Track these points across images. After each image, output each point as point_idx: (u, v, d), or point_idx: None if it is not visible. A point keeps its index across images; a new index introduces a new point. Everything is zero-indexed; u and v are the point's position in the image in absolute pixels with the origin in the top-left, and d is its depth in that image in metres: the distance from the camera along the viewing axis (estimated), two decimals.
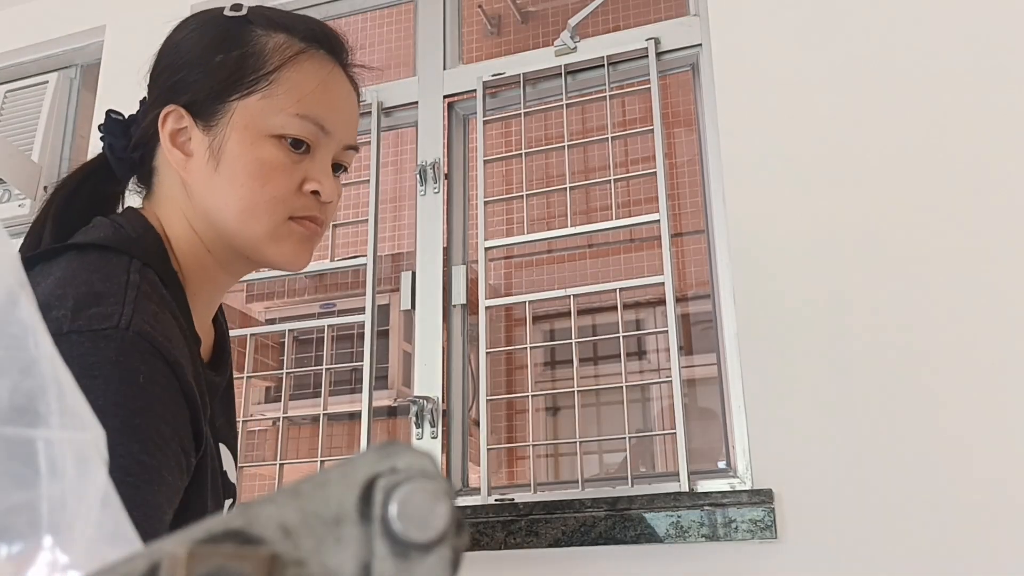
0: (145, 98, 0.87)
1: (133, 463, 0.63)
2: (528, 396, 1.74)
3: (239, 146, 0.80)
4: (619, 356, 1.68)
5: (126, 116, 0.88)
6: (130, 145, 0.84)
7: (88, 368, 0.63)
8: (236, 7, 0.85)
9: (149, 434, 0.64)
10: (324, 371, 1.95)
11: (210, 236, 0.82)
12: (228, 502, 0.85)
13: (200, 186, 0.81)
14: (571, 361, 1.74)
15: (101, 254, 0.72)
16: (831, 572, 1.40)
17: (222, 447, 0.84)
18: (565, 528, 1.53)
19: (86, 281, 0.69)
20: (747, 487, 1.51)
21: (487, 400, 1.75)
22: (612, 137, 1.83)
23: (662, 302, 1.73)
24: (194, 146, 0.81)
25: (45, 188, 2.37)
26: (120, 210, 0.88)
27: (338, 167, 0.88)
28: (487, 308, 1.81)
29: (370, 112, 2.07)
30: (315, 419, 2.07)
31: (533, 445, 1.71)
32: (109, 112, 0.88)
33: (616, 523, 1.49)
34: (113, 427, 0.57)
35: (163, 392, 0.67)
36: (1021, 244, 1.46)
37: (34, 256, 0.72)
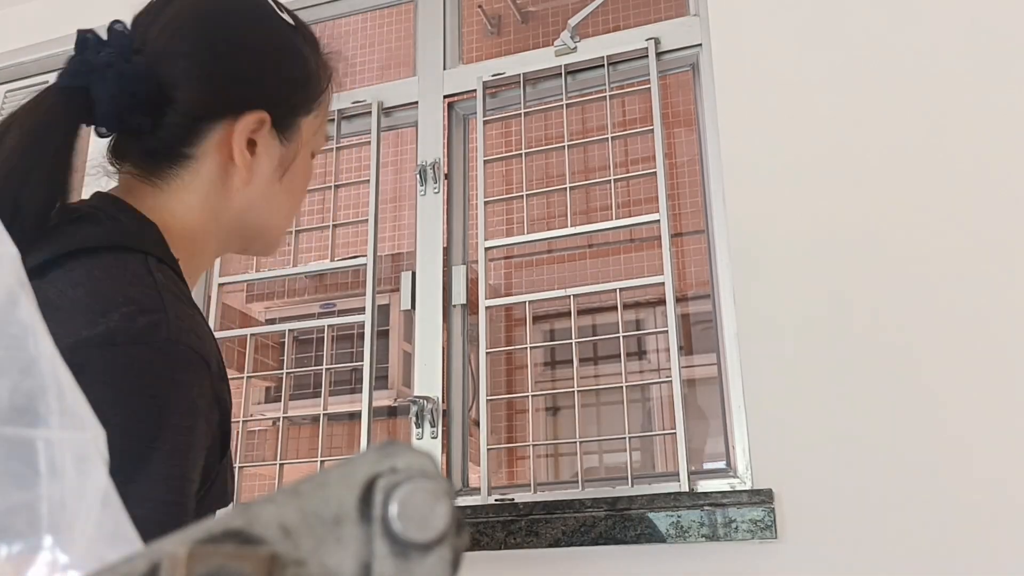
0: (119, 25, 0.79)
1: (175, 487, 0.63)
2: (528, 396, 1.74)
3: (302, 162, 0.86)
4: (619, 356, 1.68)
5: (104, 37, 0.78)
6: (128, 101, 0.74)
7: (146, 382, 0.64)
8: (292, 16, 0.86)
9: (193, 456, 0.65)
10: (324, 371, 1.95)
11: (233, 229, 0.83)
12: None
13: (256, 190, 0.82)
14: (571, 361, 1.74)
15: (116, 256, 0.69)
16: (831, 572, 1.40)
17: None
18: (565, 528, 1.53)
19: (119, 289, 0.67)
20: (747, 487, 1.51)
21: (487, 400, 1.75)
22: (612, 137, 1.83)
23: (662, 302, 1.73)
24: (262, 153, 0.82)
25: None
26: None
27: None
28: (487, 308, 1.81)
29: (370, 112, 2.07)
30: (315, 419, 2.07)
31: (533, 445, 1.71)
32: (86, 33, 0.78)
33: (616, 523, 1.49)
34: (167, 444, 0.62)
35: (207, 406, 0.68)
36: (1021, 244, 1.46)
37: (43, 264, 0.68)
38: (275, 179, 0.83)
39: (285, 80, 0.83)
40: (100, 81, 0.73)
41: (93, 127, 0.75)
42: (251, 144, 0.80)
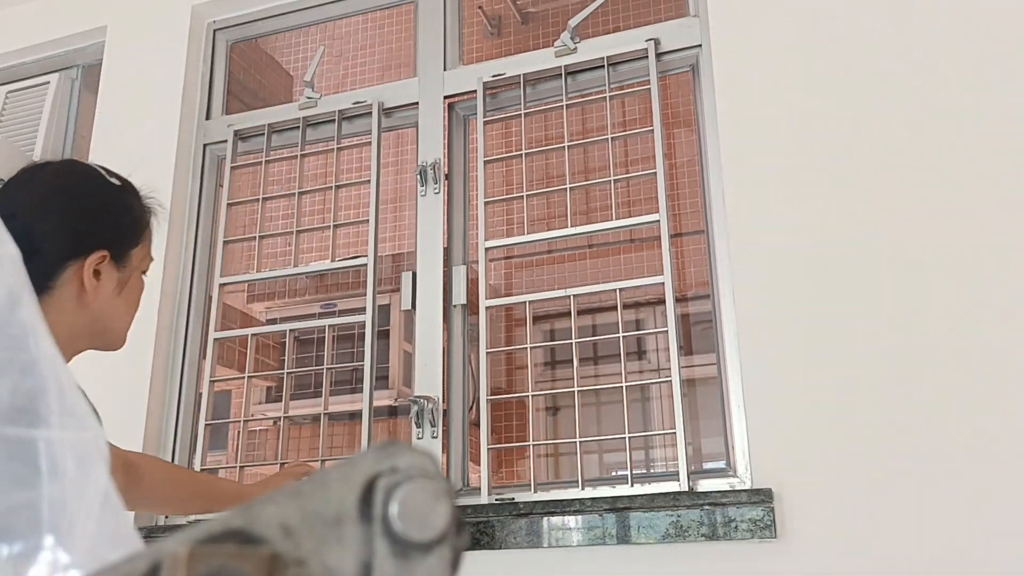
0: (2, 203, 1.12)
1: None
2: (528, 396, 1.74)
3: (135, 279, 1.20)
4: (619, 356, 1.68)
5: None
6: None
7: None
8: (119, 179, 1.21)
9: None
10: (325, 371, 1.95)
11: (85, 333, 1.14)
12: None
13: (102, 303, 1.14)
14: (571, 361, 1.74)
15: None
16: (831, 572, 1.40)
17: None
18: (565, 528, 1.53)
19: None
20: (747, 487, 1.51)
21: (487, 400, 1.75)
22: (612, 137, 1.83)
23: (662, 302, 1.73)
24: (104, 277, 1.14)
25: None
26: None
27: None
28: (487, 308, 1.81)
29: (370, 113, 2.07)
30: (316, 419, 2.07)
31: (533, 445, 1.71)
32: None
33: (616, 523, 1.49)
34: None
35: None
36: (1021, 244, 1.46)
37: None
38: (115, 294, 1.16)
39: (119, 227, 1.18)
40: None
41: None
42: (96, 273, 1.13)
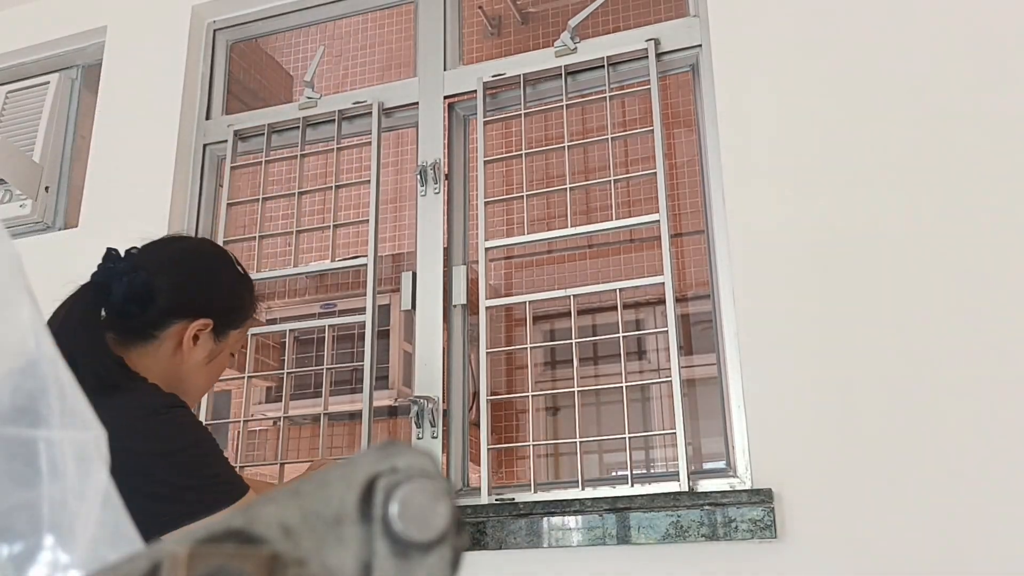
0: (134, 251, 1.25)
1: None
2: (528, 396, 1.74)
3: (224, 357, 1.33)
4: (619, 356, 1.68)
5: (122, 255, 1.25)
6: (131, 296, 1.21)
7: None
8: (243, 270, 1.36)
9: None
10: (325, 371, 1.95)
11: (167, 385, 1.23)
12: None
13: (191, 365, 1.27)
14: (571, 361, 1.74)
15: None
16: (831, 572, 1.40)
17: None
18: (565, 528, 1.53)
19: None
20: (747, 487, 1.51)
21: (487, 400, 1.75)
22: (612, 137, 1.83)
23: (662, 302, 1.73)
24: (201, 344, 1.27)
25: (47, 188, 2.37)
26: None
27: None
28: (487, 308, 1.81)
29: (371, 113, 2.07)
30: (316, 419, 2.07)
31: (533, 445, 1.71)
32: (112, 251, 1.25)
33: (616, 523, 1.49)
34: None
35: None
36: (1021, 245, 1.46)
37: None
38: (204, 362, 1.29)
39: (228, 307, 1.32)
40: (117, 280, 1.21)
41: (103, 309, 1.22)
42: (195, 337, 1.26)
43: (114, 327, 1.23)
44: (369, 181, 2.01)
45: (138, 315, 1.22)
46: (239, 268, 1.35)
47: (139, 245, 1.29)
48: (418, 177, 1.98)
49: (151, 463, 1.09)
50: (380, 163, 2.02)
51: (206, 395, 1.95)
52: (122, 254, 1.25)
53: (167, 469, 1.10)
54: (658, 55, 1.85)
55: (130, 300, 1.21)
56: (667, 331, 1.65)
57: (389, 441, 0.26)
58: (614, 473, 2.30)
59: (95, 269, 1.23)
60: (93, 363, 1.14)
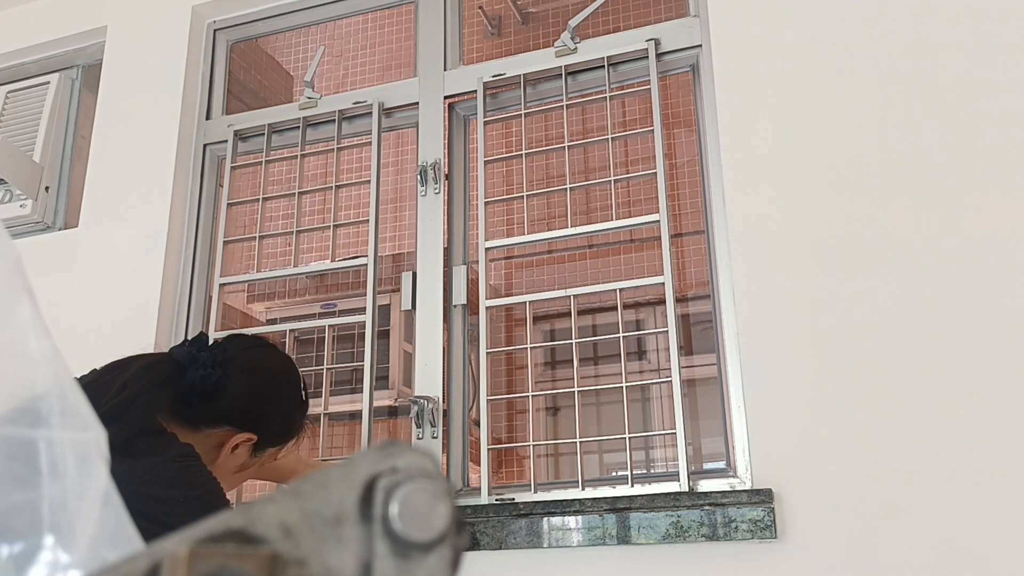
0: (220, 343, 1.32)
1: None
2: (528, 396, 1.74)
3: (253, 469, 1.36)
4: (619, 356, 1.68)
5: (210, 342, 1.30)
6: (199, 390, 1.25)
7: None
8: (306, 395, 1.38)
9: None
10: (325, 371, 1.95)
11: None
12: None
13: (221, 471, 1.26)
14: (571, 361, 1.74)
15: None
16: (831, 572, 1.40)
17: None
18: (565, 528, 1.53)
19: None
20: (747, 487, 1.51)
21: (487, 400, 1.75)
22: (612, 138, 1.83)
23: (662, 302, 1.73)
24: (238, 454, 1.30)
25: (47, 188, 2.37)
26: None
27: None
28: (487, 308, 1.81)
29: (371, 113, 2.07)
30: (316, 419, 2.07)
31: (533, 445, 1.71)
32: (203, 336, 1.32)
33: (616, 523, 1.49)
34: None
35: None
36: (1021, 245, 1.46)
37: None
38: (234, 471, 1.32)
39: (279, 430, 1.35)
40: (195, 367, 1.25)
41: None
42: (235, 447, 1.28)
43: (170, 402, 1.27)
44: (369, 181, 2.01)
45: (197, 407, 1.26)
46: (303, 394, 1.38)
47: (224, 337, 1.37)
48: (418, 177, 1.98)
49: (169, 507, 1.12)
50: (380, 163, 2.02)
51: None
52: (210, 341, 1.32)
53: (181, 515, 1.13)
54: (658, 55, 1.85)
55: (196, 393, 1.24)
56: (667, 331, 1.65)
57: (389, 441, 0.26)
58: (614, 473, 2.31)
59: (179, 345, 1.31)
60: (142, 422, 1.17)
